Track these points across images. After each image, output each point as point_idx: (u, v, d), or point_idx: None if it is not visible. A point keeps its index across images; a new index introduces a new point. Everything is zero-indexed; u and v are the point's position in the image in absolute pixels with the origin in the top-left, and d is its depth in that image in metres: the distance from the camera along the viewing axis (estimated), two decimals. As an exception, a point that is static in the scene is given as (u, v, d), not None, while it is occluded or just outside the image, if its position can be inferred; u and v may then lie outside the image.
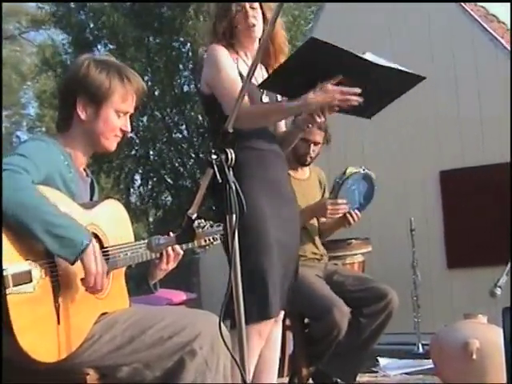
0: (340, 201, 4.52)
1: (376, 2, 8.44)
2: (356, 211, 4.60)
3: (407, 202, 7.94)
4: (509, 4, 7.58)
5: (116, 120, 2.80)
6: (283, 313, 3.85)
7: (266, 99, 3.63)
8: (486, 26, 7.96)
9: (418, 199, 7.99)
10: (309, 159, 4.79)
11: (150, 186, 20.07)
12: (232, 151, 2.23)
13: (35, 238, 2.33)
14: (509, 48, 7.70)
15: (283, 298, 3.59)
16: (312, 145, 4.74)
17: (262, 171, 3.57)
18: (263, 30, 3.63)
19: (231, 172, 2.21)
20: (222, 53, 3.58)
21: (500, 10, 8.36)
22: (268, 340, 3.67)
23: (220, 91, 3.55)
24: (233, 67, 3.57)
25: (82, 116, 2.73)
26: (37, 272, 2.37)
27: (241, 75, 3.55)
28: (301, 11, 17.44)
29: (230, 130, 2.24)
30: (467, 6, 8.14)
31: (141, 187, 20.39)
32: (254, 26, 3.63)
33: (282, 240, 3.54)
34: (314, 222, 4.76)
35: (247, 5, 3.62)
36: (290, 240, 3.64)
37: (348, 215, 4.57)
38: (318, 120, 3.41)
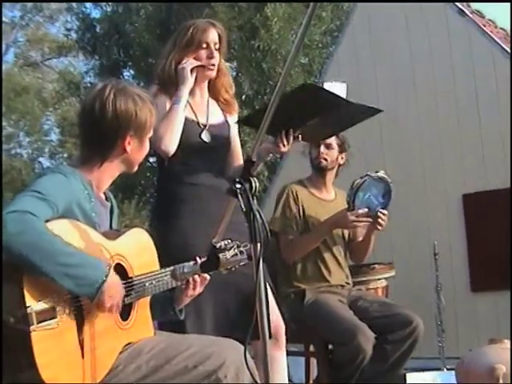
0: (361, 211, 4.46)
1: (380, 2, 8.47)
2: (381, 210, 4.54)
3: (430, 226, 7.92)
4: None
5: (148, 145, 2.85)
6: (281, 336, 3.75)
7: (205, 136, 3.62)
8: (505, 46, 7.97)
9: (442, 223, 7.97)
10: (322, 161, 4.69)
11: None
12: (256, 180, 2.23)
13: (51, 280, 2.32)
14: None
15: (221, 323, 3.50)
16: (323, 147, 4.67)
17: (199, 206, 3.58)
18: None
19: (255, 201, 2.21)
20: (160, 101, 3.51)
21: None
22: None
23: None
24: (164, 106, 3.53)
25: (128, 149, 2.74)
26: (61, 307, 2.37)
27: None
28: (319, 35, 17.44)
29: (254, 159, 2.24)
30: (487, 28, 8.15)
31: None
32: (213, 65, 3.62)
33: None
34: (341, 247, 4.75)
35: (212, 44, 3.60)
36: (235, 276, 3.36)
37: (375, 216, 4.51)
38: (283, 149, 3.54)
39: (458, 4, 8.51)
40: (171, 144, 3.46)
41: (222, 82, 3.73)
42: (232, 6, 16.81)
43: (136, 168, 2.86)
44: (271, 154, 3.68)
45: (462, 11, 8.35)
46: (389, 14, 8.93)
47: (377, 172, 4.58)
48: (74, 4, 21.14)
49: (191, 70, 3.55)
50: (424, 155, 8.14)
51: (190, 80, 3.54)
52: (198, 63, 3.57)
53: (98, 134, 2.74)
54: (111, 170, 2.78)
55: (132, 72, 19.26)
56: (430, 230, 7.77)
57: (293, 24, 16.36)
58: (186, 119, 3.54)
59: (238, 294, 3.52)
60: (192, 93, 3.62)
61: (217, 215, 3.43)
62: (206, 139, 3.61)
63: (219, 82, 3.74)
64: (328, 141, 4.66)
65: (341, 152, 4.75)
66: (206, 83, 3.72)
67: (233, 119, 3.82)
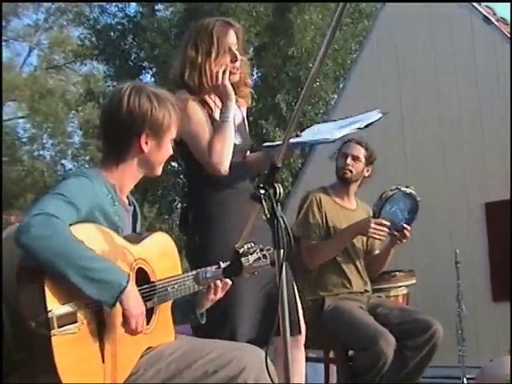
0: (384, 221, 4.51)
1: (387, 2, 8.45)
2: (405, 225, 4.57)
3: (452, 234, 7.89)
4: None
5: (169, 147, 2.84)
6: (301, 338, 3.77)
7: (237, 140, 3.60)
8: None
9: (463, 231, 7.94)
10: (348, 173, 4.71)
11: (193, 215, 20.07)
12: (280, 186, 2.23)
13: (72, 284, 2.32)
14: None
15: (257, 327, 3.50)
16: (350, 158, 4.70)
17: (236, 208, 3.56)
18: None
19: (279, 207, 2.21)
20: (195, 109, 3.52)
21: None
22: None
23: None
24: (205, 121, 3.52)
25: (145, 149, 2.74)
26: (82, 312, 2.38)
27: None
28: (346, 41, 17.42)
29: (279, 165, 2.24)
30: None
31: (185, 216, 20.42)
32: (237, 69, 3.59)
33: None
34: (361, 255, 4.75)
35: (234, 48, 3.55)
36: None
37: (398, 230, 4.55)
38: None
39: (482, 11, 8.49)
40: (227, 160, 3.44)
41: (241, 77, 3.67)
42: (250, 13, 16.84)
43: (159, 171, 2.86)
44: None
45: (488, 19, 8.32)
46: (413, 21, 8.92)
47: (407, 187, 4.60)
48: (86, 12, 21.33)
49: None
50: (446, 163, 8.12)
51: (233, 94, 3.51)
52: (229, 72, 3.53)
53: (113, 131, 2.76)
54: (132, 173, 2.78)
55: (152, 77, 19.33)
56: (452, 238, 7.75)
57: (313, 30, 16.42)
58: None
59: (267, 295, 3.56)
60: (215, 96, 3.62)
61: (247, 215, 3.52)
62: (236, 141, 3.59)
63: (239, 77, 3.68)
64: (356, 153, 4.71)
65: (367, 164, 4.77)
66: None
67: (244, 110, 3.82)
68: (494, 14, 8.66)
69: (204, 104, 3.55)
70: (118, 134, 2.74)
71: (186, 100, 3.43)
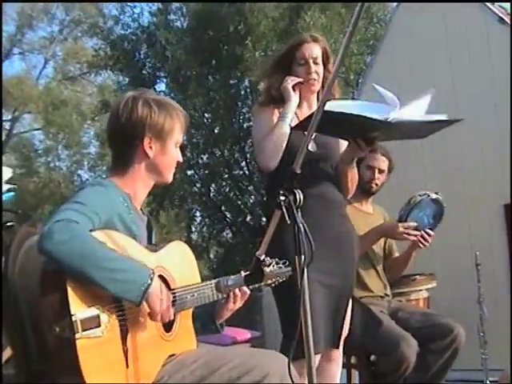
0: (412, 224, 4.52)
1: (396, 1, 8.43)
2: (428, 231, 4.57)
3: (472, 237, 7.85)
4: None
5: (176, 152, 2.87)
6: (339, 351, 3.86)
7: (310, 145, 3.68)
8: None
9: (483, 233, 7.90)
10: (374, 186, 4.77)
11: (210, 223, 20.13)
12: (300, 192, 2.23)
13: (97, 285, 2.34)
14: None
15: (328, 336, 3.64)
16: (377, 172, 4.74)
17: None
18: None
19: (299, 213, 2.21)
20: (265, 112, 3.80)
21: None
22: (326, 378, 3.68)
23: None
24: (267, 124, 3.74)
25: (150, 153, 2.77)
26: (105, 316, 2.39)
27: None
28: (359, 45, 17.43)
29: (298, 171, 2.24)
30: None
31: (201, 224, 20.48)
32: (314, 80, 3.79)
33: (325, 281, 3.59)
34: (380, 259, 4.75)
35: (310, 60, 3.76)
36: (335, 280, 3.68)
37: (422, 235, 4.54)
38: (361, 154, 3.63)
39: (497, 12, 8.45)
40: (272, 159, 3.64)
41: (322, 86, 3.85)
42: (267, 16, 16.89)
43: (169, 177, 2.89)
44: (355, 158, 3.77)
45: (502, 19, 8.29)
46: (428, 22, 8.89)
47: (436, 193, 4.61)
48: (100, 23, 21.44)
49: (293, 87, 3.74)
50: (465, 164, 8.10)
51: (293, 97, 3.73)
52: (298, 80, 3.76)
53: (117, 139, 2.82)
54: (142, 179, 2.81)
55: (164, 86, 19.43)
56: (472, 241, 7.71)
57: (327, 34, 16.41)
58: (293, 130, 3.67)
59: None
60: (299, 105, 3.80)
61: (320, 223, 3.57)
62: (311, 148, 3.69)
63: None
64: (382, 166, 4.77)
65: (388, 173, 4.83)
66: (315, 95, 3.88)
67: None
68: (508, 14, 8.63)
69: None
70: (121, 141, 2.80)
71: (261, 108, 3.82)
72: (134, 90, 2.88)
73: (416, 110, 3.40)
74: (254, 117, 3.93)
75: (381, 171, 4.76)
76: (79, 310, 2.32)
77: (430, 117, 3.44)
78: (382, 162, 4.74)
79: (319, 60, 3.79)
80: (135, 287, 2.40)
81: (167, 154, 2.83)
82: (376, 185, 4.78)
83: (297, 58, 3.79)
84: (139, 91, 2.86)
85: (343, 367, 4.91)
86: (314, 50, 3.79)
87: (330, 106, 3.33)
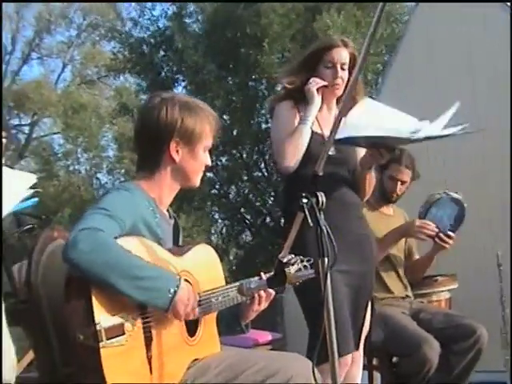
0: (429, 222, 4.50)
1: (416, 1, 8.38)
2: (449, 232, 4.55)
3: (493, 237, 7.81)
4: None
5: (204, 157, 2.82)
6: (359, 352, 3.85)
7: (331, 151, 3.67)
8: None
9: (505, 233, 7.86)
10: (395, 197, 4.76)
11: (230, 225, 20.15)
12: (323, 194, 2.22)
13: (123, 294, 2.34)
14: None
15: (353, 338, 3.64)
16: (399, 183, 4.71)
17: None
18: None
19: (322, 215, 2.20)
20: (285, 110, 3.78)
21: None
22: (346, 379, 3.69)
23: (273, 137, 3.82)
24: (292, 122, 3.73)
25: (176, 158, 2.73)
26: (129, 324, 2.38)
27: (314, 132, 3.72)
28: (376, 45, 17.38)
29: (320, 174, 2.23)
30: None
31: (221, 226, 20.50)
32: (339, 85, 3.76)
33: (345, 282, 3.59)
34: (401, 260, 4.73)
35: (338, 65, 3.74)
36: (355, 281, 3.67)
37: (441, 237, 4.52)
38: (381, 160, 3.67)
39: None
40: (292, 161, 3.62)
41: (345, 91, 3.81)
42: (283, 16, 16.88)
43: (196, 181, 2.85)
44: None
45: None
46: (447, 23, 8.86)
47: (456, 192, 4.58)
48: (118, 26, 21.49)
49: (317, 90, 3.71)
50: (486, 164, 8.06)
51: (317, 100, 3.71)
52: (323, 83, 3.74)
53: (144, 142, 2.78)
54: (168, 184, 2.77)
55: (184, 89, 19.44)
56: (494, 241, 7.67)
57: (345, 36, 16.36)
58: (313, 133, 3.68)
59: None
60: (320, 108, 3.76)
61: (341, 225, 3.56)
62: (330, 152, 3.66)
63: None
64: (405, 179, 4.73)
65: (411, 182, 4.81)
66: (335, 99, 3.86)
67: None
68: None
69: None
70: (148, 144, 2.76)
71: (286, 108, 3.78)
72: (163, 92, 2.84)
73: (440, 125, 3.41)
74: (274, 114, 3.86)
75: (403, 183, 4.74)
76: (103, 317, 2.31)
77: (451, 130, 3.43)
78: (406, 175, 4.71)
79: (346, 66, 3.77)
80: (163, 294, 2.39)
81: (195, 158, 2.78)
82: (397, 195, 4.76)
83: (324, 61, 3.75)
84: (169, 93, 2.83)
85: (365, 369, 4.90)
86: (343, 55, 3.76)
87: (360, 111, 3.34)
